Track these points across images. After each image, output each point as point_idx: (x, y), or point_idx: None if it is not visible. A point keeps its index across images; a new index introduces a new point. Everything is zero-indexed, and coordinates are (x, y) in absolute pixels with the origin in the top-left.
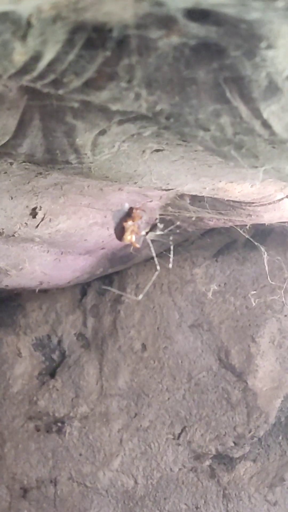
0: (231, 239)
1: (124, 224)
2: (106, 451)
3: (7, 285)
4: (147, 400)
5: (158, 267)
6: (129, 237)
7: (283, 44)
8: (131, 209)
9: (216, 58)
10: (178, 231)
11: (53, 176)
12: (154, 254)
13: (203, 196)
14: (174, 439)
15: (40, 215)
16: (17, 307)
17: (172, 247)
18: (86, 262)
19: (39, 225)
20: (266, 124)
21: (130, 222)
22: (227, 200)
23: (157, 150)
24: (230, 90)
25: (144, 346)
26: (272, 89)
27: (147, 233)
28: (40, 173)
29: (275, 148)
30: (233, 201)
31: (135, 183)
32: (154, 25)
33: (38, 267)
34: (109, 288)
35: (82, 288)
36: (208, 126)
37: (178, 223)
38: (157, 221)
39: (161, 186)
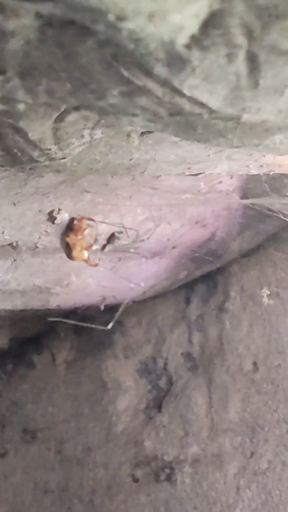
0: None
1: (67, 239)
2: (223, 503)
3: (58, 305)
4: (262, 435)
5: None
6: (80, 254)
7: (135, 12)
8: (72, 220)
9: (85, 34)
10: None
11: (50, 174)
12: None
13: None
14: None
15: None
16: (114, 324)
17: None
18: (158, 266)
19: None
20: (195, 101)
21: (73, 237)
22: None
23: (147, 132)
24: (125, 68)
25: (255, 365)
26: (176, 61)
27: (104, 246)
28: (31, 173)
29: (239, 124)
30: None
31: (142, 172)
32: None
33: (91, 279)
34: (62, 320)
35: (185, 293)
36: (131, 111)
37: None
38: (121, 229)
39: (182, 171)
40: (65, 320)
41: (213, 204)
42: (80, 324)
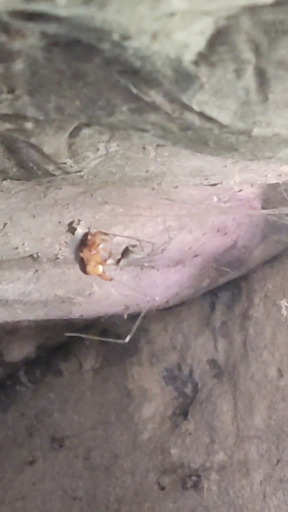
0: None
1: (81, 254)
2: (249, 510)
3: (81, 315)
4: None
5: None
6: (94, 269)
7: (139, 31)
8: (85, 235)
9: (92, 52)
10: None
11: (68, 186)
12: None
13: None
14: None
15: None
16: (139, 331)
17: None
18: (181, 275)
19: None
20: (205, 116)
21: (87, 252)
22: None
23: (162, 145)
24: (133, 85)
25: (280, 372)
26: (183, 77)
27: (118, 260)
28: (49, 185)
29: (251, 138)
30: None
31: (159, 184)
32: None
33: (113, 289)
34: (76, 334)
35: (210, 300)
36: (140, 126)
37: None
38: (134, 243)
39: (200, 182)
40: (81, 335)
41: (234, 212)
42: (98, 338)
